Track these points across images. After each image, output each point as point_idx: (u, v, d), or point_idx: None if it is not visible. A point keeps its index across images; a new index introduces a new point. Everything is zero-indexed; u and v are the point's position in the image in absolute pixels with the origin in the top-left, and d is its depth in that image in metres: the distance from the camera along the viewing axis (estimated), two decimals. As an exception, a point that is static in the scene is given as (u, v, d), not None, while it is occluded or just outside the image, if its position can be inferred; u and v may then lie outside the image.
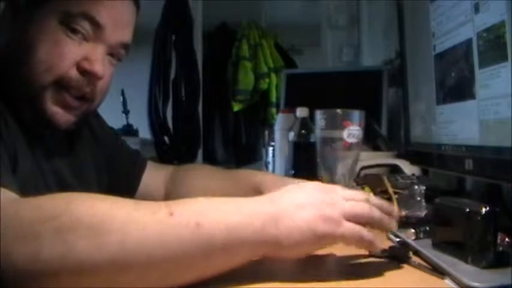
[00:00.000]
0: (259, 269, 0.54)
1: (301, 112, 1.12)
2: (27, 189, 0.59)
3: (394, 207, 0.60)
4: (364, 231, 0.52)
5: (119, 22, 0.71)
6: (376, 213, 0.54)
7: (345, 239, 0.51)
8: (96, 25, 0.68)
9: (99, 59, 0.69)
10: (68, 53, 0.67)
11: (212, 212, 0.48)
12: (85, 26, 0.67)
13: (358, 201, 0.54)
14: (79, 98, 0.70)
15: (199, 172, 0.97)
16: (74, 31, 0.67)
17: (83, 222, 0.43)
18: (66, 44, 0.67)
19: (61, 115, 0.69)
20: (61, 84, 0.68)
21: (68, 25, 0.67)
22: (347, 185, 0.88)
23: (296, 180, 0.87)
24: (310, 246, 0.51)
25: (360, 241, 0.52)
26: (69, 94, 0.69)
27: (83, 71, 0.69)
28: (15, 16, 0.69)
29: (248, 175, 0.89)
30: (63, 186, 0.74)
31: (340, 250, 0.67)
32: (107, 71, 0.73)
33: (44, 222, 0.43)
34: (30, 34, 0.67)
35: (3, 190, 0.49)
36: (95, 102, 0.74)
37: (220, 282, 0.49)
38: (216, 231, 0.47)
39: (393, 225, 0.56)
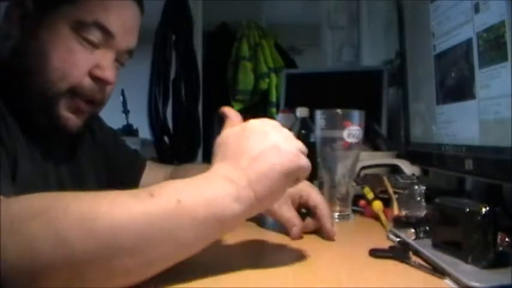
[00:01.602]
0: (258, 267, 0.54)
1: (301, 112, 1.12)
2: (27, 192, 0.59)
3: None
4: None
5: (127, 29, 0.73)
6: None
7: (304, 170, 0.54)
8: (108, 33, 0.70)
9: (109, 66, 0.72)
10: (82, 62, 0.69)
11: (190, 188, 0.49)
12: (97, 35, 0.69)
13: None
14: (89, 102, 0.72)
15: (199, 172, 0.96)
16: (86, 39, 0.69)
17: (71, 213, 0.44)
18: (79, 52, 0.69)
19: (73, 120, 0.72)
20: (75, 92, 0.70)
21: (80, 33, 0.68)
22: (347, 185, 0.88)
23: None
24: (282, 187, 0.53)
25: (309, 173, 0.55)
26: (82, 100, 0.71)
27: (95, 78, 0.71)
28: (23, 21, 0.69)
29: None
30: (63, 188, 0.74)
31: (339, 250, 0.67)
32: (115, 76, 0.75)
33: (33, 218, 0.44)
34: (42, 41, 0.67)
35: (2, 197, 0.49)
36: (101, 106, 0.76)
37: (219, 282, 0.49)
38: (196, 206, 0.48)
39: None
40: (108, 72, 0.71)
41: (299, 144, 0.55)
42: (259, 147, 0.53)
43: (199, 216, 0.47)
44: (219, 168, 0.53)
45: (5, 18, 0.70)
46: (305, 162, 0.54)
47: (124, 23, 0.72)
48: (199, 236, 0.48)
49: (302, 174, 0.55)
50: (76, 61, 0.68)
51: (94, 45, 0.70)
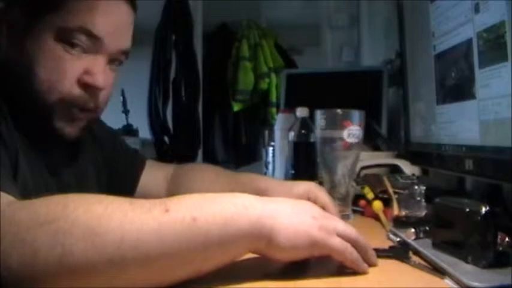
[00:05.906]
0: (258, 266, 0.54)
1: (301, 112, 1.12)
2: (28, 192, 0.58)
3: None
4: (353, 249, 0.53)
5: (116, 30, 0.70)
6: (362, 241, 0.55)
7: (335, 251, 0.52)
8: (94, 38, 0.67)
9: (100, 71, 0.69)
10: (69, 69, 0.67)
11: (208, 205, 0.49)
12: (83, 39, 0.67)
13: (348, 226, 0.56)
14: (84, 110, 0.71)
15: (202, 175, 0.95)
16: (72, 45, 0.66)
17: (80, 225, 0.44)
18: (66, 60, 0.66)
19: (69, 130, 0.70)
20: (66, 102, 0.68)
21: (66, 40, 0.66)
22: (347, 185, 0.88)
23: (300, 186, 0.85)
24: (302, 250, 0.52)
25: (349, 256, 0.53)
26: (77, 108, 0.69)
27: (84, 85, 0.68)
28: (11, 30, 0.67)
29: (252, 180, 0.88)
30: (64, 188, 0.74)
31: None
32: (109, 80, 0.72)
33: (40, 226, 0.43)
34: (28, 53, 0.66)
35: (2, 194, 0.49)
36: (98, 112, 0.75)
37: (218, 281, 0.49)
38: (212, 225, 0.47)
39: (374, 259, 0.56)
40: (99, 78, 0.68)
41: (340, 229, 0.53)
42: (299, 207, 0.55)
43: (213, 236, 0.47)
44: (245, 195, 0.53)
45: None
46: (336, 243, 0.52)
47: (111, 23, 0.69)
48: (209, 257, 0.48)
49: (332, 253, 0.52)
50: (63, 71, 0.66)
51: (81, 50, 0.67)
